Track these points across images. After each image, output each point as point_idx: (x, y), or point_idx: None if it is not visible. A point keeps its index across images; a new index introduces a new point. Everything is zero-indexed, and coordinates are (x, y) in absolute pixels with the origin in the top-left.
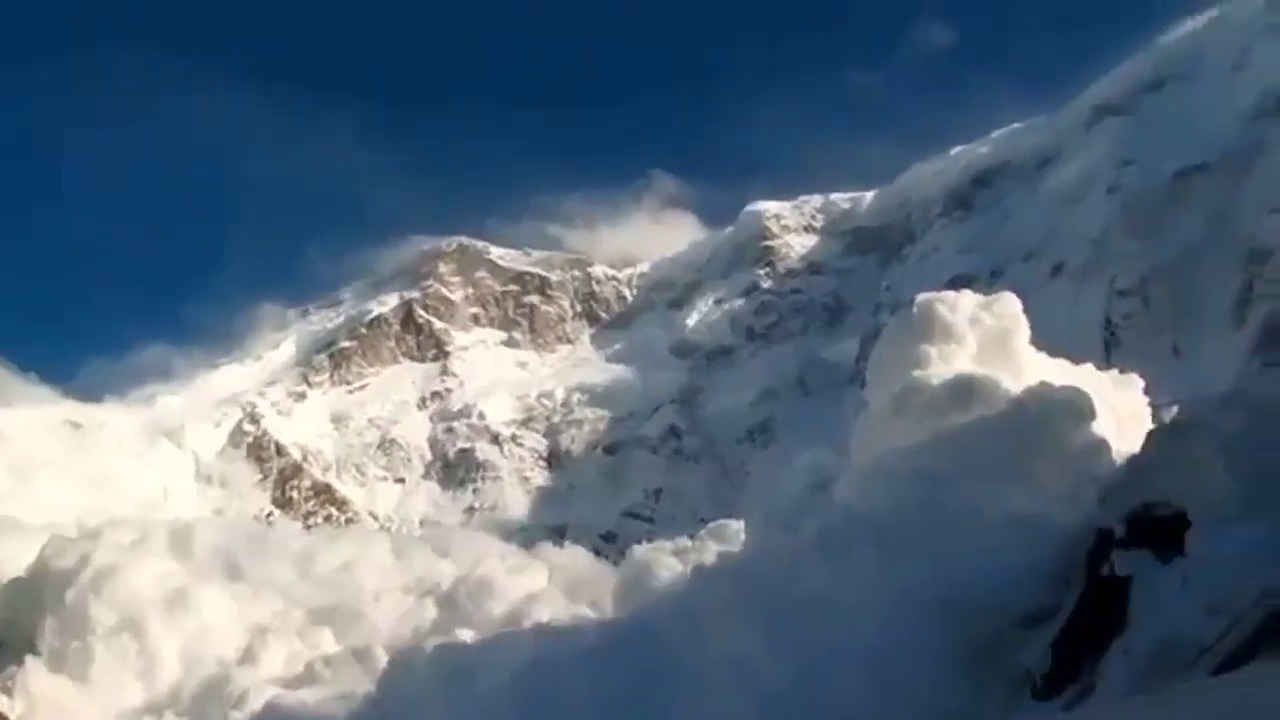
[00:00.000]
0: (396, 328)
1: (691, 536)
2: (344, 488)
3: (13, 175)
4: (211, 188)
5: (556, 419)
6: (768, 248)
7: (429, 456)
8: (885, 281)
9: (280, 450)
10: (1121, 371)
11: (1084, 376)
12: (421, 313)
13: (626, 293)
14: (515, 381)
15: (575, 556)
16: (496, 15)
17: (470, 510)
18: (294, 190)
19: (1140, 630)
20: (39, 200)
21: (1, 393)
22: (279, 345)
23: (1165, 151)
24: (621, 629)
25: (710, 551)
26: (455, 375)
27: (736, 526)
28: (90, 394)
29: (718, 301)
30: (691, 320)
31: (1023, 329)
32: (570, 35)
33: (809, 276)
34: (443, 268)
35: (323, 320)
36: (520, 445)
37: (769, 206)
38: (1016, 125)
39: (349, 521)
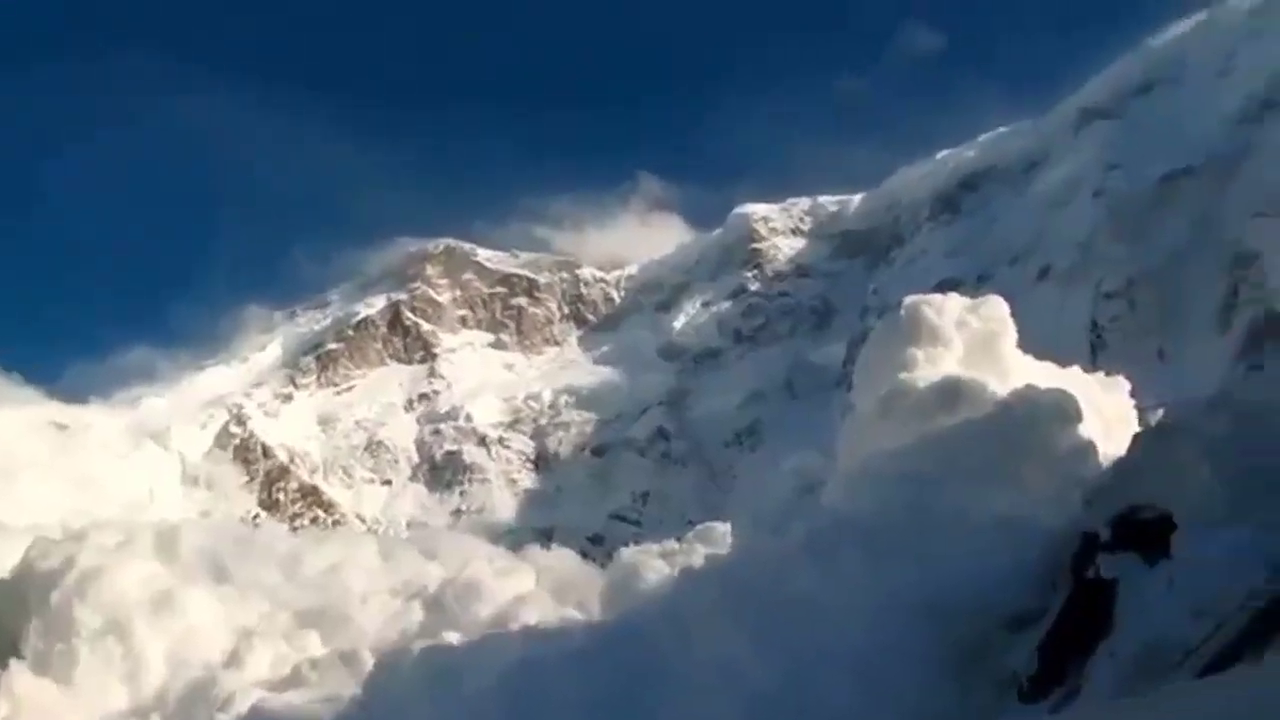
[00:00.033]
0: (383, 329)
1: (679, 539)
2: (331, 490)
3: None
4: (198, 189)
5: (544, 421)
6: (755, 250)
7: (416, 458)
8: (872, 285)
9: (267, 452)
10: (1108, 374)
11: (1070, 379)
12: (409, 314)
13: (614, 295)
14: (502, 383)
15: (563, 559)
16: (485, 17)
17: (457, 512)
18: (281, 192)
19: (1126, 633)
20: (24, 201)
21: None
22: (265, 347)
23: (1151, 155)
24: (609, 631)
25: (697, 554)
26: (442, 377)
27: (724, 529)
28: (75, 395)
29: (705, 304)
30: (679, 323)
31: (1009, 332)
32: (558, 37)
33: (796, 279)
34: (430, 269)
35: (310, 322)
36: (507, 447)
37: (757, 209)
38: (1003, 129)
39: (336, 524)
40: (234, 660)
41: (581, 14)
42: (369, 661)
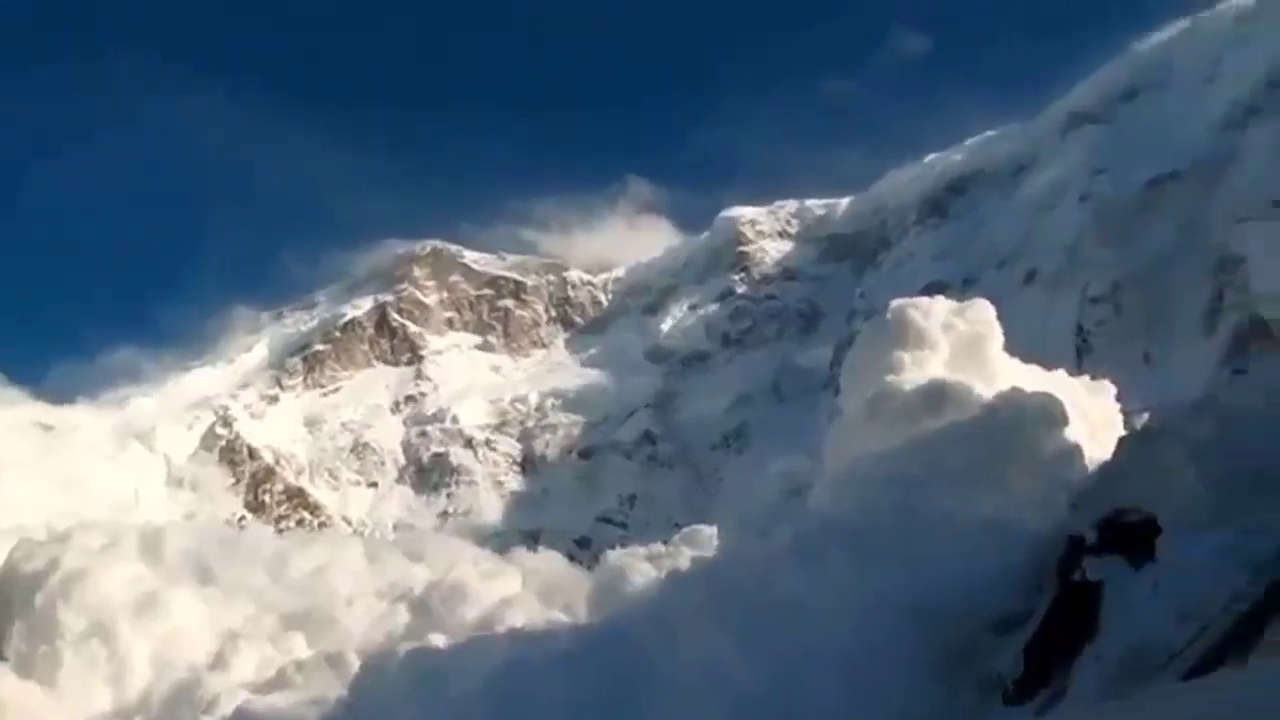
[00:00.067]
0: (370, 331)
1: (665, 542)
2: (317, 492)
3: None
4: (186, 190)
5: (531, 424)
6: (743, 253)
7: (402, 460)
8: (860, 288)
9: (253, 454)
10: (1093, 378)
11: (1056, 383)
12: (396, 316)
13: (601, 297)
14: (489, 386)
15: (549, 561)
16: (474, 20)
17: (444, 515)
18: (269, 193)
19: (1111, 635)
20: (11, 200)
21: None
22: (252, 348)
23: (1137, 160)
24: (595, 634)
25: (684, 557)
26: (429, 379)
27: (710, 532)
28: (61, 396)
29: (693, 307)
30: (666, 325)
31: (996, 335)
32: (547, 40)
33: (784, 283)
34: (417, 271)
35: (296, 323)
36: (494, 450)
37: (744, 212)
38: (991, 133)
39: (322, 526)
40: (219, 662)
41: (570, 17)
42: (355, 664)
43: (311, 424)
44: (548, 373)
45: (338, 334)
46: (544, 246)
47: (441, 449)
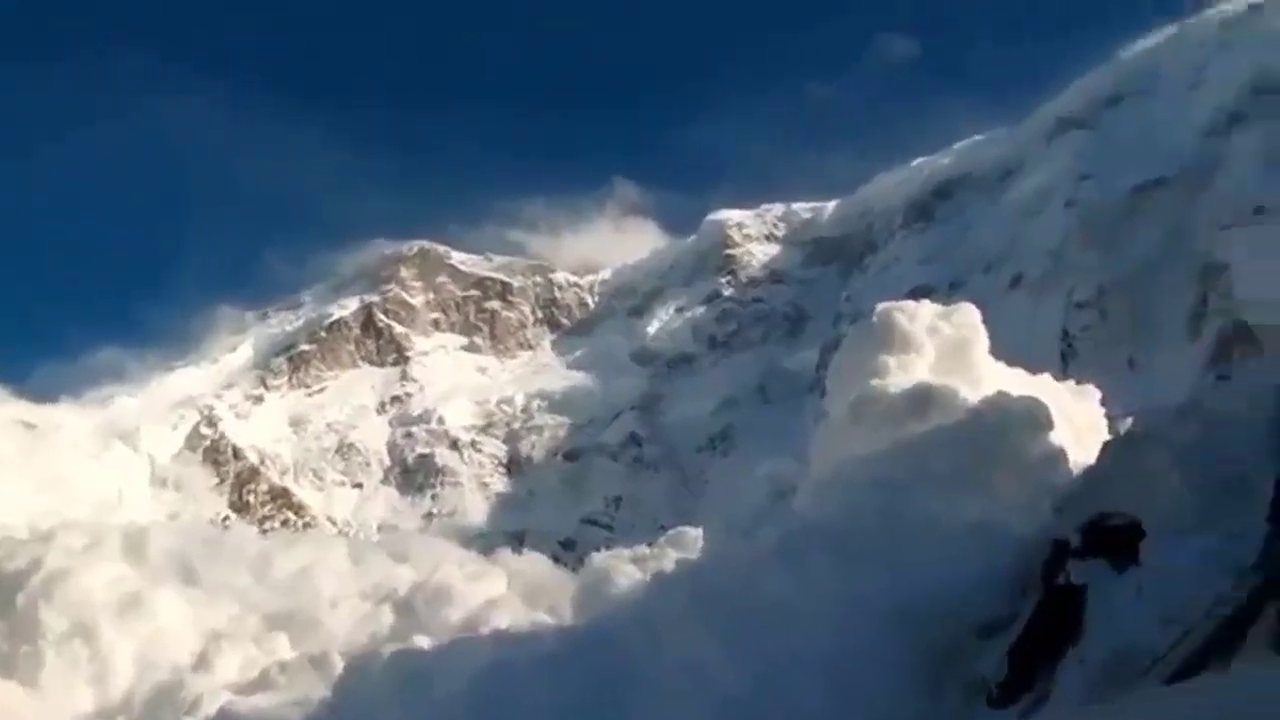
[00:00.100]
0: (356, 331)
1: (650, 544)
2: (301, 492)
3: None
4: (171, 189)
5: (516, 425)
6: (729, 256)
7: (388, 461)
8: (846, 291)
9: (237, 453)
10: (1078, 383)
11: (1042, 387)
12: (382, 317)
13: (588, 299)
14: (475, 387)
15: (534, 563)
16: (463, 21)
17: (429, 516)
18: (255, 192)
19: (1095, 639)
20: None
21: None
22: (237, 348)
23: (1123, 166)
24: (580, 636)
25: (669, 559)
26: (415, 380)
27: (695, 534)
28: (45, 395)
29: (679, 309)
30: (653, 328)
31: (981, 339)
32: (535, 42)
33: (770, 285)
34: (404, 272)
35: (282, 323)
36: (480, 451)
37: (731, 215)
38: (978, 137)
39: (306, 526)
40: (202, 663)
41: (560, 19)
42: (339, 665)
43: (296, 424)
44: (534, 374)
45: (323, 334)
46: (531, 248)
47: (427, 450)
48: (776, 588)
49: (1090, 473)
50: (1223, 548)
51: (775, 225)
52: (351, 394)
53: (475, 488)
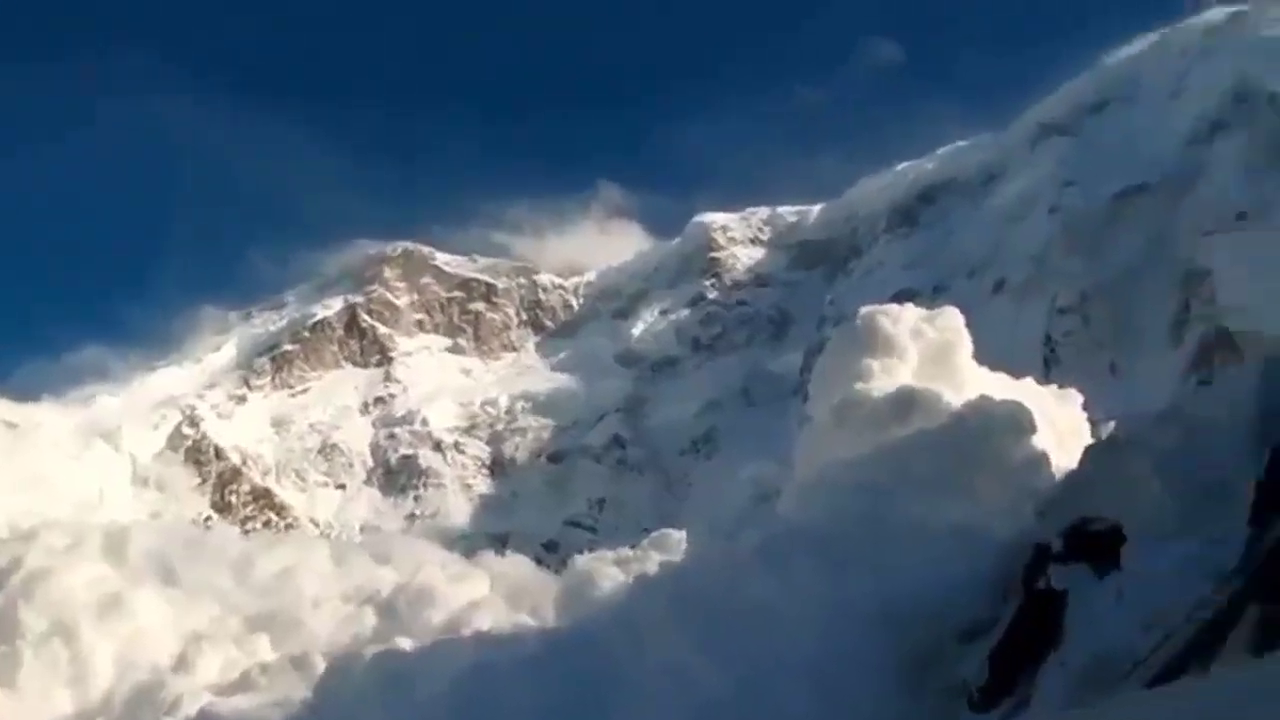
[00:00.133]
0: (340, 332)
1: (634, 546)
2: (284, 493)
3: None
4: (154, 188)
5: (500, 427)
6: (714, 259)
7: (370, 462)
8: (830, 295)
9: (219, 454)
10: (1060, 387)
11: (1024, 391)
12: (365, 317)
13: (572, 301)
14: (459, 388)
15: (517, 565)
16: (447, 23)
17: (411, 517)
18: (239, 192)
19: (1076, 644)
20: None
21: None
22: (220, 348)
23: (1106, 172)
24: (562, 638)
25: (652, 562)
26: (398, 381)
27: (679, 536)
28: (26, 393)
29: (663, 312)
30: (637, 330)
31: (964, 343)
32: (520, 44)
33: (755, 288)
34: (388, 272)
35: (265, 323)
36: (463, 452)
37: (716, 218)
38: (962, 142)
39: (288, 527)
40: (183, 664)
41: (544, 21)
42: (320, 666)
43: (279, 425)
44: (518, 376)
45: (307, 334)
46: (516, 250)
47: (410, 451)
48: (759, 590)
49: (1072, 477)
50: (1203, 552)
51: (760, 228)
52: (335, 394)
53: (458, 489)
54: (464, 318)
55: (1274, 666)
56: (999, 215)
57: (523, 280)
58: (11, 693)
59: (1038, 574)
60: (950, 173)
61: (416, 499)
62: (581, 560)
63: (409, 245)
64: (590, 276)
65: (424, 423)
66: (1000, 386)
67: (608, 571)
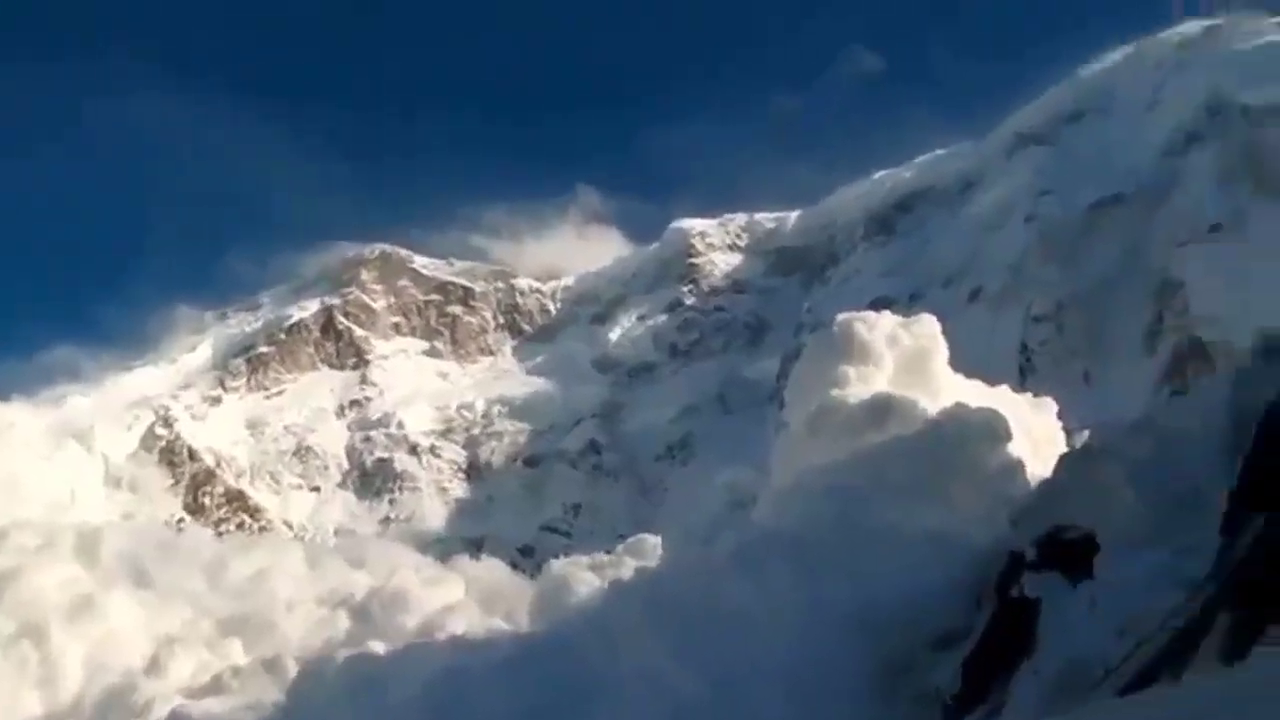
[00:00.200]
0: (316, 334)
1: (609, 552)
2: (258, 495)
3: None
4: (129, 186)
5: (476, 431)
6: (692, 265)
7: (346, 465)
8: (807, 302)
9: (193, 455)
10: (1035, 396)
11: (1000, 399)
12: (342, 320)
13: (550, 306)
14: (435, 392)
15: (492, 569)
16: (427, 25)
17: (386, 521)
18: (215, 192)
19: (1049, 651)
20: None
21: None
22: (195, 348)
23: (1082, 182)
24: (537, 642)
25: (627, 567)
26: (375, 384)
27: (654, 542)
28: None
29: (641, 317)
30: (614, 335)
31: (941, 350)
32: (499, 48)
33: (732, 295)
34: (365, 275)
35: (241, 324)
36: (439, 456)
37: (694, 224)
38: (940, 151)
39: (262, 530)
40: (154, 667)
41: (524, 26)
42: (292, 669)
43: (254, 426)
44: (494, 380)
45: (282, 336)
46: (494, 253)
47: (386, 454)
48: (734, 596)
49: (1045, 486)
50: (1175, 561)
51: (738, 235)
52: (310, 397)
53: (434, 493)
54: (441, 321)
55: (1245, 674)
56: (976, 224)
57: (500, 284)
58: None
59: (1011, 582)
60: (928, 181)
61: (392, 502)
62: (557, 565)
63: (386, 248)
64: (568, 281)
65: (400, 426)
66: (976, 394)
67: (583, 576)
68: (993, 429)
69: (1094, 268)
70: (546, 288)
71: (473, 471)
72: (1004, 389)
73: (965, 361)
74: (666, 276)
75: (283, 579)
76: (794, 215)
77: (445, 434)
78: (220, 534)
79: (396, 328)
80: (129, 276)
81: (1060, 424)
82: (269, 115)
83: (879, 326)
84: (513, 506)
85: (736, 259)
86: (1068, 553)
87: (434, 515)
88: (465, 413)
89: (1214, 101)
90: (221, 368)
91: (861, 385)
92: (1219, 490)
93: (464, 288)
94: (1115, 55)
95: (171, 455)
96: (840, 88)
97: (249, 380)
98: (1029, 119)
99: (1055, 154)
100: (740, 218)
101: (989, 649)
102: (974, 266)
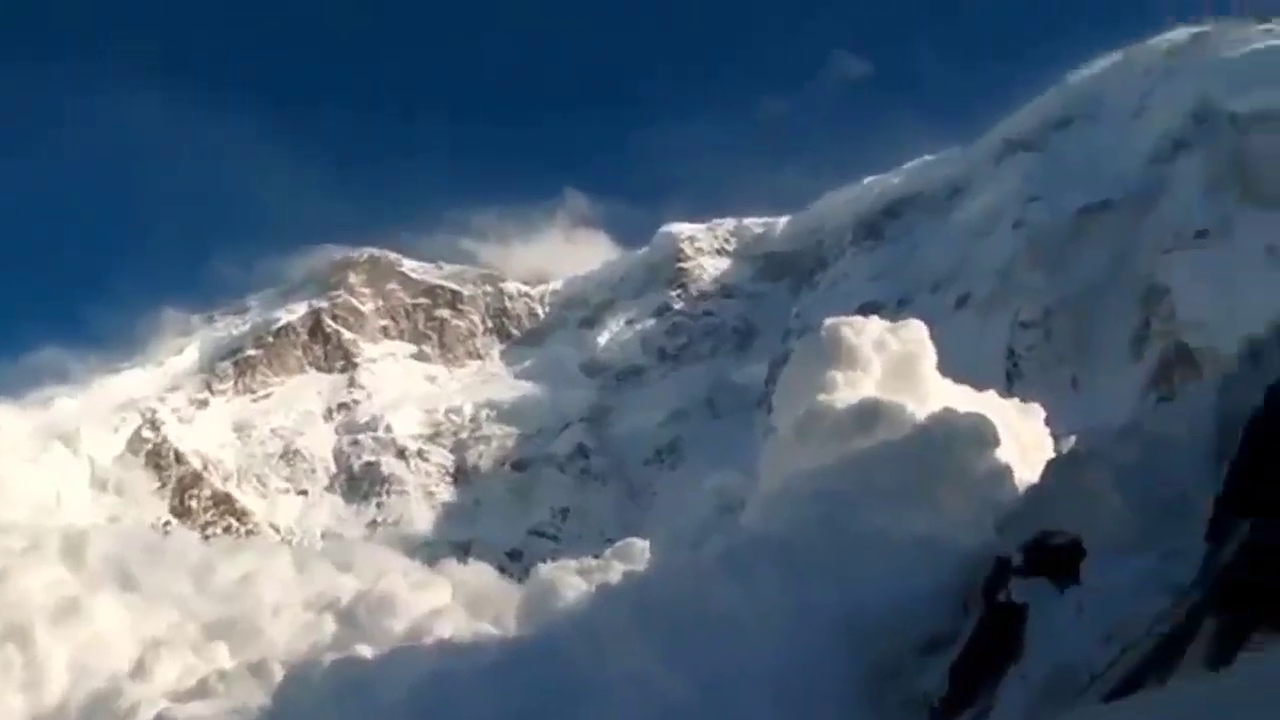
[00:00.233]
0: (304, 337)
1: (597, 556)
2: (245, 498)
3: None
4: (116, 188)
5: (464, 434)
6: (680, 269)
7: (333, 469)
8: (796, 307)
9: (180, 458)
10: (1023, 401)
11: (987, 404)
12: (330, 323)
13: (538, 310)
14: (423, 395)
15: (479, 573)
16: (416, 28)
17: (374, 524)
18: (203, 194)
19: (1036, 657)
20: None
21: None
22: (182, 351)
23: (1070, 188)
24: (524, 646)
25: (615, 571)
26: (363, 387)
27: (642, 546)
28: None
29: (629, 321)
30: (603, 339)
31: (929, 354)
32: (488, 51)
33: (720, 299)
34: (353, 278)
35: (228, 327)
36: (427, 460)
37: (683, 229)
38: (928, 157)
39: (249, 533)
40: (140, 671)
41: (514, 30)
42: (279, 674)
43: (241, 429)
44: (482, 384)
45: (270, 339)
46: (482, 257)
47: (373, 458)
48: (722, 600)
49: (1033, 491)
50: (1162, 567)
51: (726, 239)
52: (298, 400)
53: (421, 497)
54: (429, 324)
55: (1230, 679)
56: (964, 230)
57: (489, 288)
58: None
59: (998, 587)
60: (916, 187)
61: (379, 506)
62: (544, 569)
63: (375, 251)
64: (556, 285)
65: (388, 429)
66: (963, 399)
67: (571, 581)
68: (980, 434)
69: (1081, 274)
70: (535, 292)
71: (460, 475)
72: (992, 394)
73: (953, 368)
74: (655, 281)
75: (269, 582)
76: (783, 220)
77: (433, 438)
78: (207, 537)
79: (384, 331)
80: (116, 278)
81: (1048, 429)
82: (256, 117)
83: (867, 331)
84: (500, 510)
85: (725, 264)
86: (1054, 558)
87: (421, 519)
88: (453, 416)
89: (1201, 108)
90: (209, 370)
91: (849, 390)
92: (1205, 496)
93: (452, 291)
94: (1103, 62)
95: (158, 458)
96: (829, 93)
97: (236, 383)
98: (1017, 125)
99: (1043, 160)
100: (729, 222)
101: (976, 654)
102: (962, 272)
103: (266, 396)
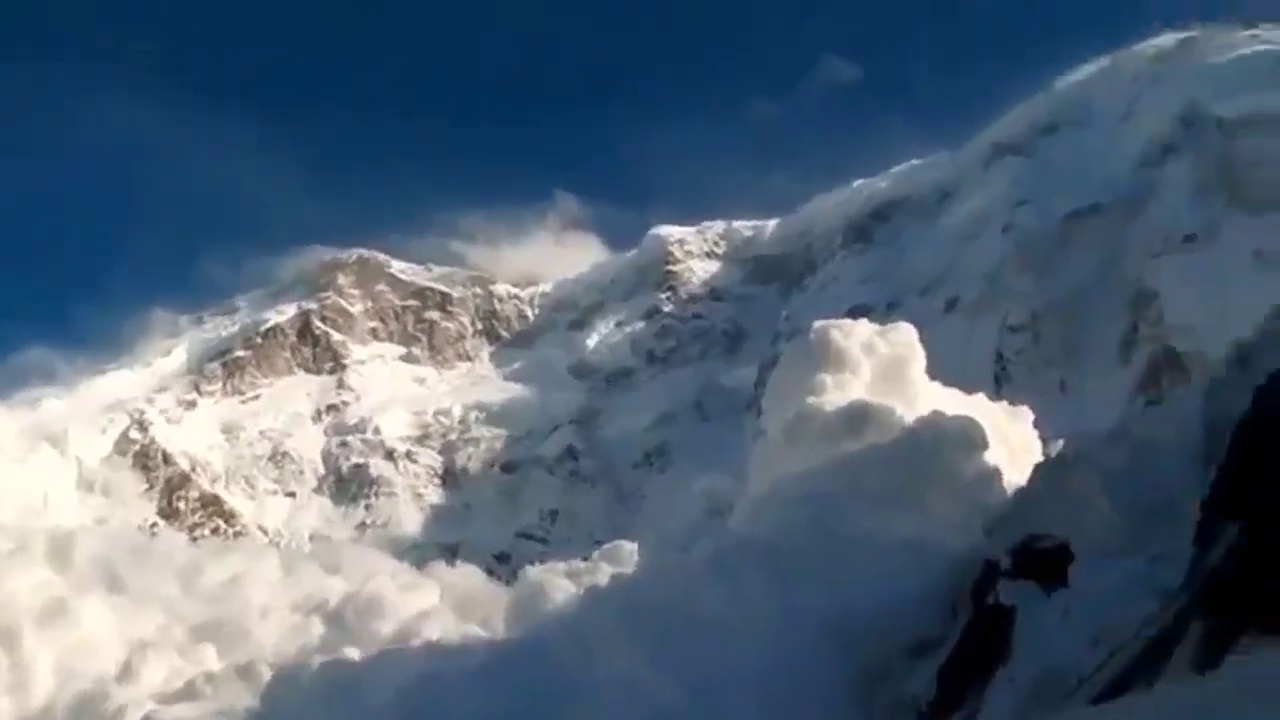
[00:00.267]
0: (293, 338)
1: (585, 558)
2: (233, 500)
3: None
4: (105, 189)
5: (453, 436)
6: (670, 272)
7: (322, 470)
8: (785, 310)
9: (168, 459)
10: (1011, 405)
11: (976, 407)
12: (319, 324)
13: (528, 312)
14: (412, 397)
15: (467, 576)
16: (406, 30)
17: (362, 526)
18: (192, 195)
19: (1023, 660)
20: None
21: None
22: (171, 352)
23: (1058, 193)
24: (512, 648)
25: (604, 573)
26: (351, 389)
27: (630, 548)
28: None
29: (618, 324)
30: (592, 341)
31: (918, 357)
32: (478, 53)
33: (710, 302)
34: (342, 279)
35: (217, 328)
36: (415, 462)
37: (672, 231)
38: (917, 161)
39: (237, 535)
40: (127, 673)
41: (504, 32)
42: (266, 676)
43: (229, 431)
44: (471, 386)
45: (259, 340)
46: (471, 259)
47: (362, 460)
48: (711, 603)
49: (1021, 495)
50: (1149, 570)
51: (716, 242)
52: (286, 401)
53: (410, 499)
54: (418, 326)
55: (1218, 683)
56: (953, 233)
57: (478, 290)
58: None
59: (987, 590)
60: (905, 191)
61: (367, 508)
62: (533, 571)
63: (364, 252)
64: (546, 287)
65: (376, 431)
66: (952, 402)
67: (559, 583)
68: (969, 437)
69: (1070, 278)
70: (524, 294)
71: (449, 477)
72: (980, 397)
73: (941, 371)
74: (644, 283)
75: (257, 585)
76: (772, 223)
77: (422, 440)
78: (194, 539)
79: (374, 333)
80: (105, 279)
81: (1036, 433)
82: (246, 119)
83: (856, 334)
84: (489, 513)
85: (714, 266)
86: (1042, 561)
87: (410, 521)
88: (442, 418)
89: (1189, 113)
90: (197, 372)
91: (838, 393)
92: (1193, 499)
93: (442, 293)
94: (1091, 67)
95: (146, 459)
96: (818, 97)
97: (225, 384)
98: (1006, 130)
99: (1032, 165)
100: (718, 225)
101: (964, 657)
102: (951, 276)
103: (255, 398)
